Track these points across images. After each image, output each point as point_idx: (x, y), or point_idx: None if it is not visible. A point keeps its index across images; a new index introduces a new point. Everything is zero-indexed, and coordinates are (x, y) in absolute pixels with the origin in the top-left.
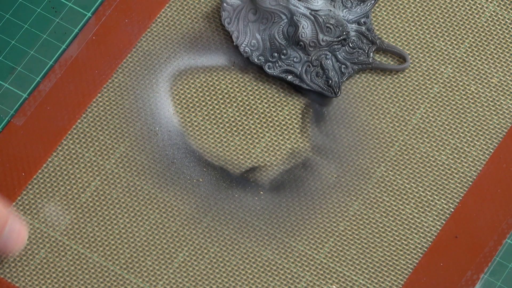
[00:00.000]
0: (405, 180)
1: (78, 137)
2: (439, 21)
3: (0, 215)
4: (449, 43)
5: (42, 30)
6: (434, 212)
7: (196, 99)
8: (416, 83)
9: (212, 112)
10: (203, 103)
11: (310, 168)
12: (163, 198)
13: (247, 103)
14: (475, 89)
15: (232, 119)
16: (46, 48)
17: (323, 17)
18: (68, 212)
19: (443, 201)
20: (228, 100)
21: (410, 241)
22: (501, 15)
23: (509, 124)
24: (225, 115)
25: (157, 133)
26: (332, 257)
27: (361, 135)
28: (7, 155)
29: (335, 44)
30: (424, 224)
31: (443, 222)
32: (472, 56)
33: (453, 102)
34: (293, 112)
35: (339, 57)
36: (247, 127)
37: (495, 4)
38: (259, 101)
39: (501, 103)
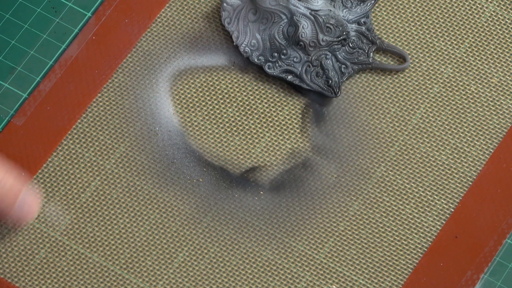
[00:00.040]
0: (405, 180)
1: (78, 137)
2: (439, 21)
3: (12, 187)
4: (449, 43)
5: (42, 30)
6: (434, 212)
7: (196, 99)
8: (416, 83)
9: (212, 112)
10: (203, 103)
11: (310, 168)
12: (163, 198)
13: (247, 103)
14: (475, 89)
15: (232, 119)
16: (46, 48)
17: (323, 17)
18: (68, 212)
19: (443, 201)
20: (228, 100)
21: (410, 241)
22: (501, 15)
23: (509, 124)
24: (225, 115)
25: (157, 133)
26: (332, 257)
27: (361, 135)
28: (7, 155)
29: (335, 44)
30: (424, 224)
31: (443, 222)
32: (472, 56)
33: (453, 102)
34: (293, 112)
35: (339, 57)
36: (247, 127)
37: (495, 4)
38: (259, 101)
39: (501, 103)
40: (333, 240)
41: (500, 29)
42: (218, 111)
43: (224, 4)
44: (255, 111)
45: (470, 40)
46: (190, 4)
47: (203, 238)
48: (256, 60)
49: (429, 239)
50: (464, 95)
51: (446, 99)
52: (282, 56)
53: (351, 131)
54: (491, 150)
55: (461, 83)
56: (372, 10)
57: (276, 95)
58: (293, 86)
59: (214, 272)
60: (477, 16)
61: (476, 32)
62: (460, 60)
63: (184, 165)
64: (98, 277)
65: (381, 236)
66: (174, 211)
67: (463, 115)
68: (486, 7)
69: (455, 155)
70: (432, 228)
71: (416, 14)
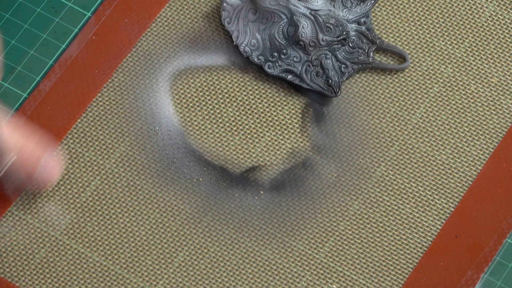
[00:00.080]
0: (405, 180)
1: (78, 137)
2: (439, 21)
3: (34, 151)
4: (449, 43)
5: (42, 30)
6: (434, 212)
7: (196, 99)
8: (416, 83)
9: (212, 111)
10: (203, 103)
11: (310, 168)
12: (163, 197)
13: (247, 103)
14: (475, 89)
15: (232, 119)
16: (46, 48)
17: (323, 17)
18: (68, 212)
19: (443, 201)
20: (228, 100)
21: (410, 240)
22: (501, 15)
23: (509, 124)
24: (225, 115)
25: (157, 132)
26: (332, 257)
27: (361, 135)
28: None
29: (335, 43)
30: (424, 224)
31: (443, 222)
32: (472, 56)
33: (453, 102)
34: (293, 112)
35: (339, 56)
36: (247, 127)
37: (495, 4)
38: (259, 101)
39: (501, 103)
40: (333, 240)
41: (500, 29)
42: (218, 111)
43: (224, 4)
44: (255, 111)
45: (470, 40)
46: (190, 4)
47: (203, 238)
48: (256, 59)
49: (429, 238)
50: (464, 95)
51: (446, 99)
52: (282, 56)
53: (351, 130)
54: (491, 150)
55: (461, 83)
56: (372, 10)
57: (276, 95)
58: (293, 86)
59: (214, 272)
60: (477, 16)
61: (476, 32)
62: (460, 60)
63: (184, 165)
64: (98, 276)
65: (381, 236)
66: (174, 211)
67: (463, 115)
68: (486, 7)
69: (455, 155)
70: (432, 227)
71: (416, 14)
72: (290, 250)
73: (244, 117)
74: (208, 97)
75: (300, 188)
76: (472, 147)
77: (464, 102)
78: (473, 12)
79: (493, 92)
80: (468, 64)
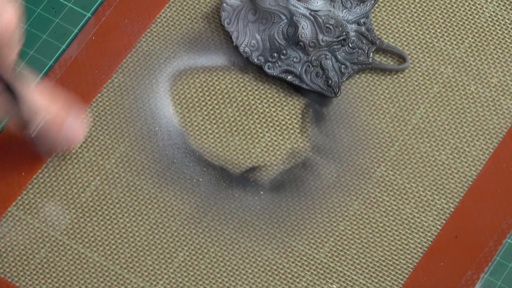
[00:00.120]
0: (405, 180)
1: None
2: (439, 21)
3: (59, 112)
4: (449, 43)
5: (42, 30)
6: (434, 212)
7: (196, 99)
8: (416, 83)
9: (212, 112)
10: (203, 103)
11: (310, 168)
12: (163, 198)
13: (247, 103)
14: (475, 89)
15: (232, 119)
16: (46, 48)
17: (322, 18)
18: (68, 212)
19: (443, 201)
20: (228, 100)
21: (410, 241)
22: (501, 15)
23: (509, 124)
24: (225, 115)
25: (157, 133)
26: (332, 257)
27: (361, 135)
28: (9, 154)
29: (335, 44)
30: (424, 224)
31: (443, 222)
32: (472, 56)
33: (453, 102)
34: (293, 112)
35: (339, 57)
36: (247, 127)
37: (495, 4)
38: (259, 101)
39: (501, 103)
40: (333, 240)
41: (500, 29)
42: (218, 111)
43: (224, 5)
44: (255, 111)
45: (470, 40)
46: (190, 4)
47: (203, 238)
48: (256, 60)
49: (429, 239)
50: (464, 95)
51: (446, 99)
52: (282, 56)
53: (351, 131)
54: (491, 150)
55: (461, 83)
56: (372, 10)
57: (276, 95)
58: (293, 86)
59: (214, 272)
60: (477, 16)
61: (476, 32)
62: (460, 60)
63: (184, 165)
64: (98, 276)
65: (381, 236)
66: (174, 211)
67: (463, 115)
68: (486, 7)
69: (455, 155)
70: (432, 228)
71: (416, 14)
72: (290, 250)
73: (244, 118)
74: (208, 98)
75: (300, 188)
76: (472, 147)
77: (464, 103)
78: (473, 12)
79: (493, 93)
80: (468, 64)
